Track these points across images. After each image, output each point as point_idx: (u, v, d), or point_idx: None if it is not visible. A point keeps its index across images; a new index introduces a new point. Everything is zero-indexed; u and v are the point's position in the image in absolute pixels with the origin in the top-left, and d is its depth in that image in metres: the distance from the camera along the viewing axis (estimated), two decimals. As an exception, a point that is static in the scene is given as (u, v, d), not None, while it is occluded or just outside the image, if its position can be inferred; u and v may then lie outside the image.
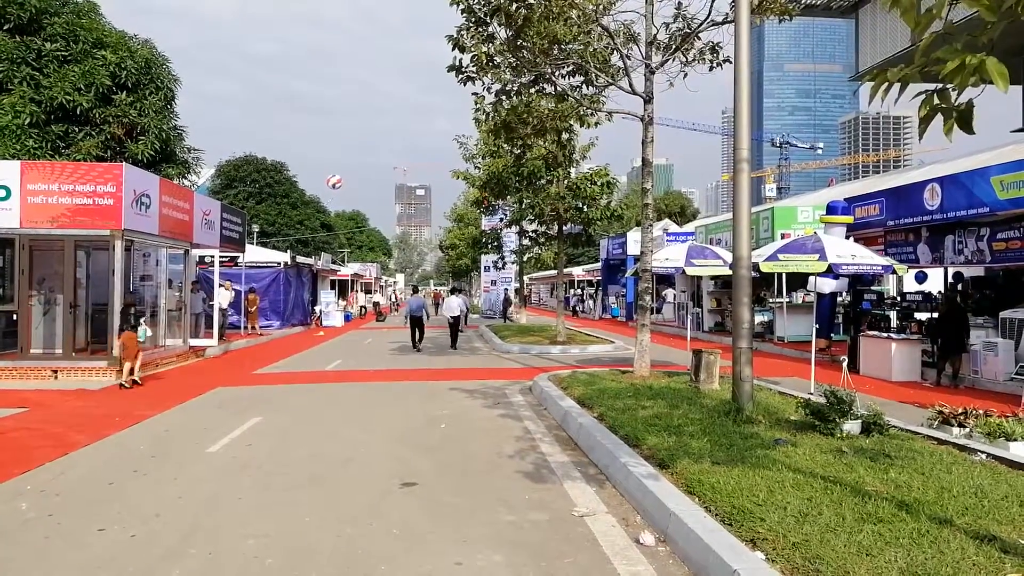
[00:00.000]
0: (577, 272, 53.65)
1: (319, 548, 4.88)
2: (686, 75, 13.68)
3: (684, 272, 17.35)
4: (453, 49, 12.82)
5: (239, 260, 25.57)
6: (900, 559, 3.93)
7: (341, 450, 7.86)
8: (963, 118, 3.67)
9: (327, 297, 34.22)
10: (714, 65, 13.38)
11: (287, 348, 21.31)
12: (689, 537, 4.59)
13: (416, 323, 21.10)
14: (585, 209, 22.15)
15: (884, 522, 4.52)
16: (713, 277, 24.11)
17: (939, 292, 15.71)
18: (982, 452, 6.57)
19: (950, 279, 15.48)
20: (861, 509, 4.78)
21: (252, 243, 40.61)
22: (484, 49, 13.05)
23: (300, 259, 31.98)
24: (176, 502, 5.95)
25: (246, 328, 25.20)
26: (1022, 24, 3.30)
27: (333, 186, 67.28)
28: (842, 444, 6.66)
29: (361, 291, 53.86)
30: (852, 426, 7.09)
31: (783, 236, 19.77)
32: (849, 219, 16.45)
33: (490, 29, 13.03)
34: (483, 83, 13.54)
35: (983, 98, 3.85)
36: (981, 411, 7.63)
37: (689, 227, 35.77)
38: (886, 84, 3.63)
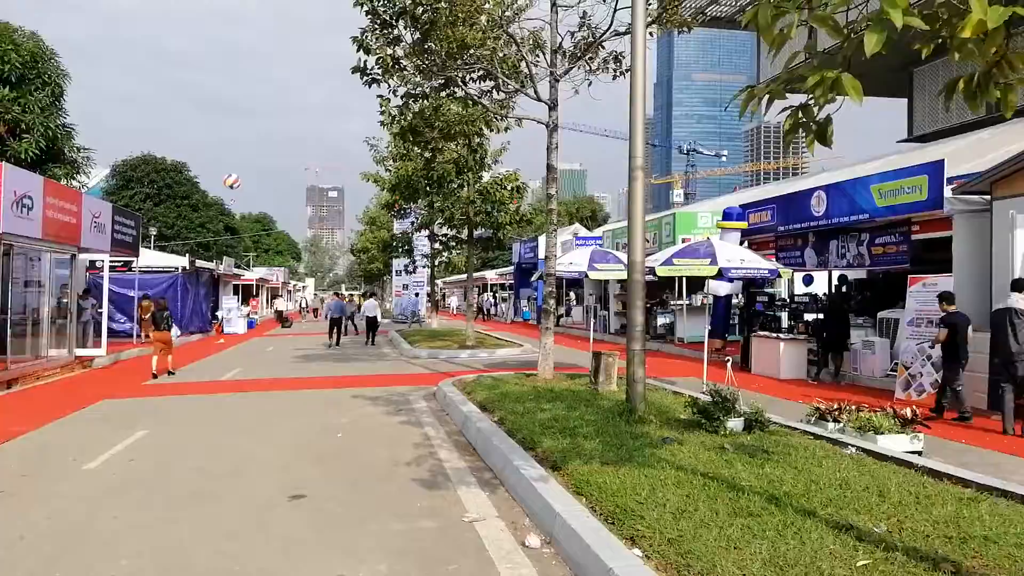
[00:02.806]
0: (490, 275, 53.89)
1: (196, 566, 4.70)
2: (591, 83, 13.98)
3: (588, 276, 17.74)
4: (358, 50, 12.66)
5: (133, 265, 24.36)
6: (764, 551, 4.13)
7: (229, 463, 7.60)
8: (822, 132, 3.90)
9: (229, 303, 33.05)
10: (617, 74, 13.70)
11: (183, 357, 20.45)
12: (572, 538, 4.68)
13: (335, 323, 23.99)
14: (495, 213, 22.29)
15: (754, 516, 4.75)
16: (620, 280, 24.71)
17: (824, 294, 16.62)
18: (853, 446, 6.99)
19: (834, 281, 16.41)
20: (735, 504, 5.00)
21: (149, 247, 38.80)
22: (389, 52, 12.95)
23: (200, 263, 30.78)
24: (44, 524, 5.61)
25: (140, 337, 24.03)
26: (904, 40, 3.53)
27: (231, 186, 64.96)
28: (725, 441, 6.95)
29: (271, 296, 52.36)
30: (735, 423, 7.40)
31: (684, 240, 20.48)
32: (743, 224, 17.18)
33: (396, 31, 12.93)
34: (389, 85, 13.44)
35: (879, 110, 4.11)
36: (854, 406, 8.11)
37: (598, 232, 36.52)
38: (755, 99, 3.82)
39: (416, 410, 10.82)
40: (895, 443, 7.23)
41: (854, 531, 4.49)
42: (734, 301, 18.28)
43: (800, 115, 3.81)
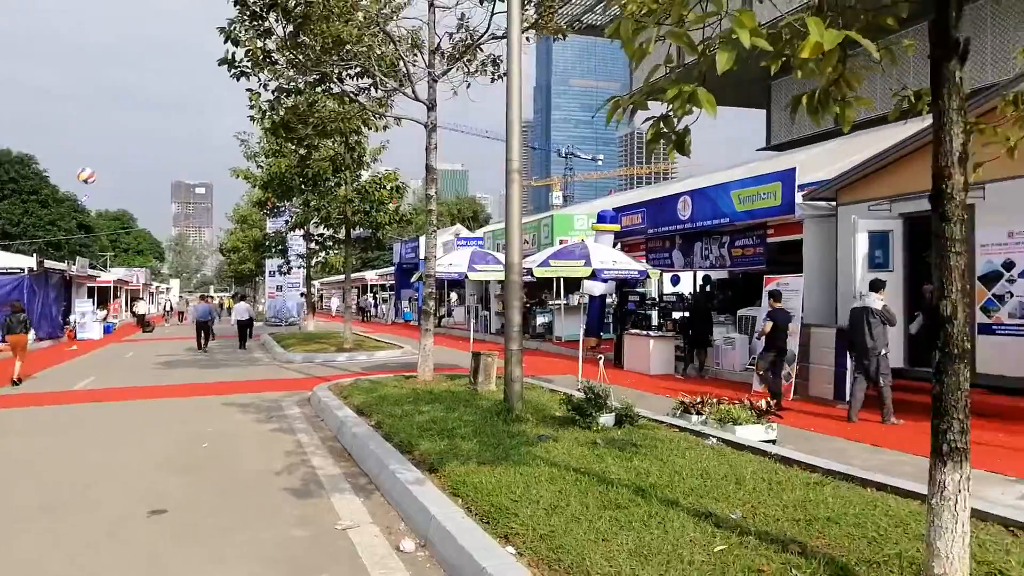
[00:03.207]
0: (371, 276, 52.98)
1: (39, 592, 4.35)
2: (469, 85, 14.03)
3: (468, 277, 17.82)
4: (225, 42, 12.10)
5: (-31, 265, 22.12)
6: (630, 541, 4.31)
7: (82, 476, 7.07)
8: (680, 141, 4.09)
9: (84, 307, 30.68)
10: (496, 77, 13.81)
11: (29, 366, 18.79)
12: (446, 540, 4.68)
13: (203, 327, 23.06)
14: (374, 213, 21.93)
15: (622, 508, 4.93)
16: (500, 281, 24.98)
17: (690, 293, 17.54)
18: (714, 436, 7.41)
19: (699, 281, 17.33)
20: (604, 497, 5.17)
21: (-11, 245, 35.37)
22: (260, 44, 12.46)
23: (50, 264, 28.38)
24: None
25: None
26: (753, 58, 3.76)
27: (85, 180, 60.39)
28: (597, 436, 7.18)
29: (130, 299, 49.02)
30: (607, 419, 7.67)
31: (562, 242, 20.97)
32: (617, 227, 17.82)
33: (267, 24, 12.46)
34: (259, 79, 12.94)
35: (743, 119, 4.33)
36: (715, 400, 8.59)
37: (480, 232, 36.75)
38: (620, 109, 3.96)
39: (289, 417, 10.47)
40: (751, 433, 7.72)
41: (713, 518, 4.76)
42: (608, 300, 18.93)
43: (661, 125, 3.99)
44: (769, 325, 10.83)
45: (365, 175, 22.52)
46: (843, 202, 12.04)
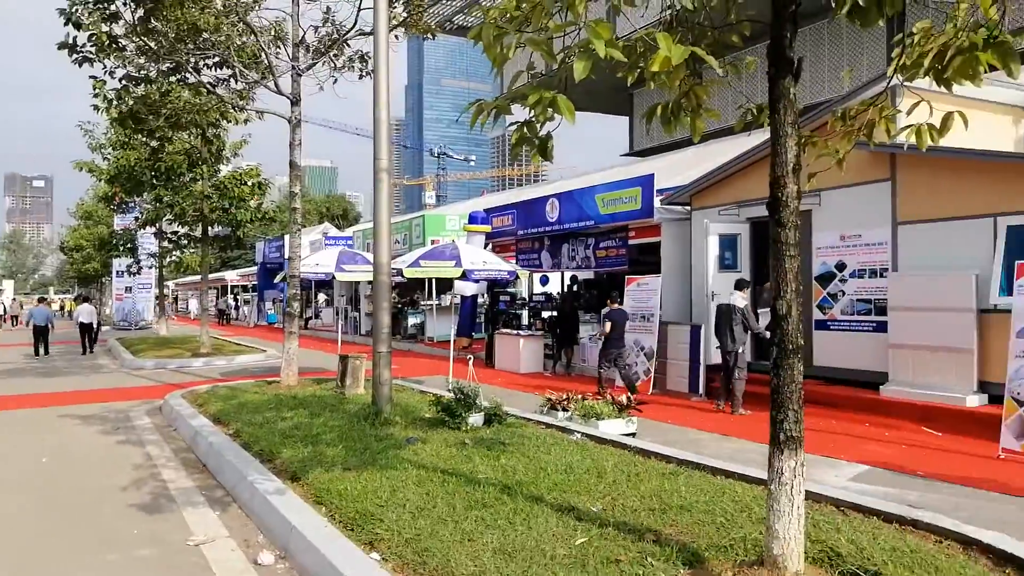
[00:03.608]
0: (231, 276, 50.46)
1: None
2: (336, 80, 13.69)
3: (336, 278, 17.40)
4: (66, 24, 11.14)
5: None
6: (496, 540, 4.36)
7: None
8: (543, 146, 4.17)
9: None
10: (364, 74, 13.55)
11: None
12: (308, 550, 4.54)
13: (41, 332, 21.96)
14: (234, 210, 20.93)
15: (488, 507, 4.98)
16: (370, 281, 24.55)
17: (558, 293, 18.01)
18: (578, 432, 7.64)
19: (567, 282, 17.81)
20: (471, 497, 5.20)
21: None
22: (105, 29, 11.57)
23: None
24: None
25: None
26: (608, 68, 3.88)
27: None
28: (466, 437, 7.21)
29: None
30: (476, 418, 7.72)
31: (433, 242, 20.89)
32: (487, 228, 17.98)
33: (113, 6, 11.57)
34: (105, 66, 12.01)
35: (610, 124, 4.44)
36: (581, 396, 8.87)
37: (349, 231, 35.93)
38: (483, 113, 3.98)
39: (138, 428, 9.78)
40: (613, 427, 8.03)
41: (575, 512, 4.90)
42: (480, 301, 19.07)
43: (525, 130, 4.06)
44: (608, 326, 11.36)
45: (224, 170, 21.45)
46: (697, 207, 12.76)
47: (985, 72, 3.78)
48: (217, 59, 12.98)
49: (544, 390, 10.58)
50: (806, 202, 10.55)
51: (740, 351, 10.23)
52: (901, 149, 9.03)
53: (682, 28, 4.53)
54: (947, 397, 8.86)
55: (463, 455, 6.48)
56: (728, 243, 11.89)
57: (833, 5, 3.92)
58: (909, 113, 4.35)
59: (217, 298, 46.52)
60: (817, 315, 10.84)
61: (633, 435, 8.10)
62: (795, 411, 3.85)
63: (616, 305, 11.71)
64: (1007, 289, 8.24)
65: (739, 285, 10.57)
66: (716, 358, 11.44)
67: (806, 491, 5.10)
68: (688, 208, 13.08)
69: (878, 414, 9.27)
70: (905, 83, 4.24)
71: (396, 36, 13.24)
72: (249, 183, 20.88)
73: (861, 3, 3.83)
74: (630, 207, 13.79)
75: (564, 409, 8.55)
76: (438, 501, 5.11)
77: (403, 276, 12.11)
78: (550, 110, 3.76)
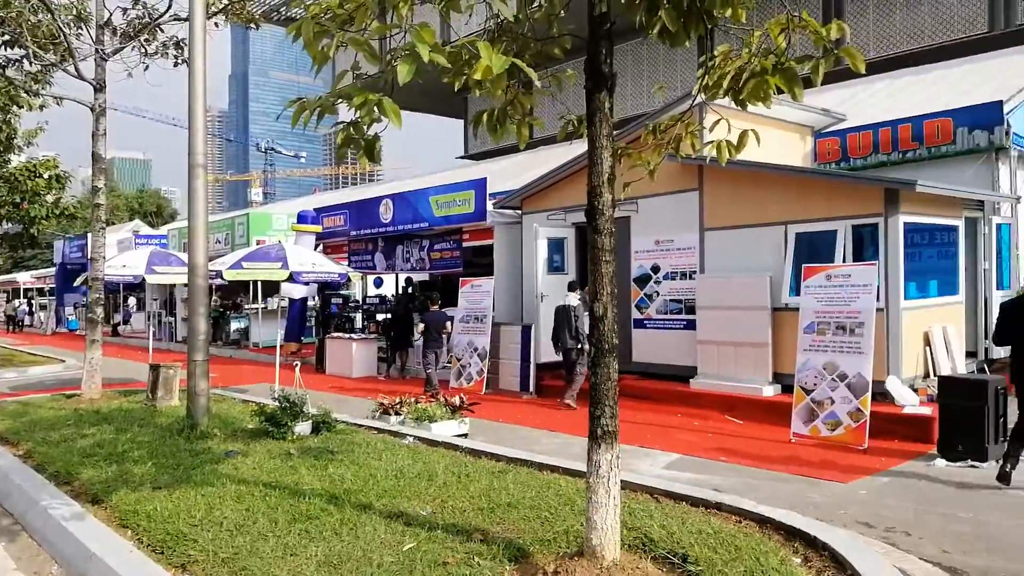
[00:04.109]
0: (24, 278, 45.13)
1: None
2: (147, 67, 12.67)
3: (147, 280, 16.10)
4: None
5: None
6: (320, 552, 4.23)
7: None
8: (370, 148, 4.11)
9: None
10: (179, 61, 12.64)
11: None
12: (110, 579, 4.17)
13: None
14: (27, 205, 18.75)
15: (313, 519, 4.82)
16: (186, 284, 22.94)
17: (392, 295, 17.82)
18: (411, 436, 7.60)
19: (402, 283, 17.69)
20: (295, 510, 5.01)
21: None
22: None
23: None
24: None
25: None
26: (434, 73, 3.85)
27: None
28: (292, 447, 6.93)
29: None
30: (303, 427, 7.45)
31: (259, 242, 19.91)
32: (318, 228, 17.42)
33: None
34: None
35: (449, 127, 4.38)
36: (414, 399, 8.82)
37: (163, 230, 33.38)
38: (306, 111, 3.84)
39: (-97, 453, 8.48)
40: (446, 429, 8.07)
41: (404, 517, 4.87)
42: (310, 304, 18.44)
43: (351, 131, 3.98)
44: (421, 327, 11.69)
45: (16, 160, 19.15)
46: (527, 211, 13.14)
47: (776, 94, 4.20)
48: (7, 37, 11.60)
49: (377, 394, 10.42)
50: (625, 209, 11.21)
51: (580, 347, 10.61)
52: (705, 162, 9.84)
53: (507, 38, 4.65)
54: (747, 388, 9.74)
55: (288, 466, 6.23)
56: (556, 246, 12.35)
57: (645, 26, 4.20)
58: (711, 130, 4.75)
59: (6, 302, 41.49)
60: (635, 314, 11.53)
61: (466, 436, 8.18)
62: (611, 407, 4.07)
63: (435, 307, 11.97)
64: (796, 289, 9.22)
65: (572, 287, 11.02)
66: (546, 357, 11.86)
67: (624, 481, 5.40)
68: (519, 212, 13.43)
69: (688, 405, 10.01)
70: (708, 102, 4.60)
71: (216, 24, 12.51)
72: (45, 176, 18.80)
73: (670, 27, 4.12)
74: (464, 210, 13.93)
75: (396, 413, 8.47)
76: (259, 516, 4.88)
77: (223, 279, 11.44)
78: (376, 112, 3.71)
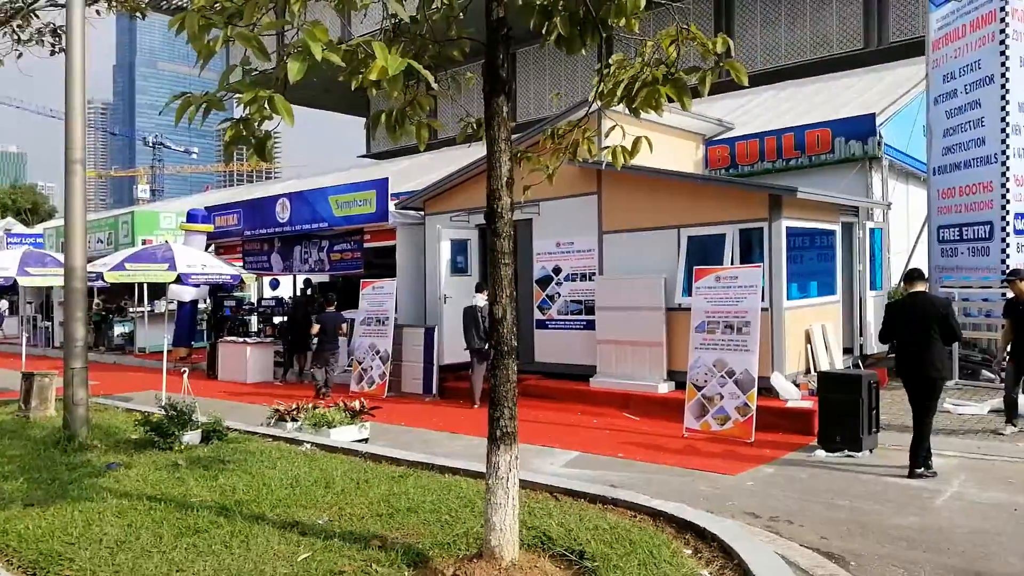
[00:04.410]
0: None
1: None
2: (20, 55, 11.79)
3: (19, 282, 14.95)
4: None
5: None
6: (209, 567, 4.06)
7: None
8: (261, 146, 3.97)
9: None
10: (57, 50, 11.82)
11: None
12: (-29, 607, 3.85)
13: None
14: None
15: (201, 532, 4.62)
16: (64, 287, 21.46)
17: (290, 297, 17.29)
18: (308, 442, 7.40)
19: (299, 285, 17.21)
20: (182, 523, 4.79)
21: None
22: None
23: None
24: None
25: None
26: (330, 72, 3.75)
27: None
28: (179, 457, 6.61)
29: None
30: (192, 436, 7.13)
31: (145, 242, 18.90)
32: (209, 227, 16.72)
33: None
34: None
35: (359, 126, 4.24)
36: (311, 404, 8.60)
37: (39, 228, 31.14)
38: (192, 107, 3.67)
39: None
40: (345, 434, 7.90)
41: (300, 527, 4.74)
42: (201, 307, 17.64)
43: (241, 128, 3.84)
44: (316, 328, 11.68)
45: None
46: (430, 212, 13.08)
47: (667, 102, 4.35)
48: None
49: (273, 400, 10.09)
50: (527, 211, 11.34)
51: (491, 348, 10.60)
52: (601, 166, 10.08)
53: (405, 39, 4.61)
54: (643, 385, 10.05)
55: (175, 478, 5.94)
56: (459, 248, 12.34)
57: (541, 32, 4.26)
58: (606, 136, 4.87)
59: None
60: (538, 315, 11.68)
61: (366, 440, 8.05)
62: (510, 408, 4.10)
63: (331, 308, 11.92)
64: (688, 290, 9.59)
65: (479, 287, 11.05)
66: (450, 359, 11.83)
67: (524, 481, 5.47)
68: (422, 213, 13.35)
69: (588, 404, 10.23)
70: (604, 109, 4.71)
71: (98, 12, 11.79)
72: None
73: (565, 34, 4.20)
74: (365, 210, 13.70)
75: (293, 419, 8.23)
76: (143, 532, 4.63)
77: (105, 281, 10.78)
78: (268, 109, 3.60)
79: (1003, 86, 10.08)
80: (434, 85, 3.83)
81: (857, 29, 24.15)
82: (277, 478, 5.89)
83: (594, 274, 10.99)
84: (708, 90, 4.13)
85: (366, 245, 14.40)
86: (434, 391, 11.74)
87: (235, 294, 16.97)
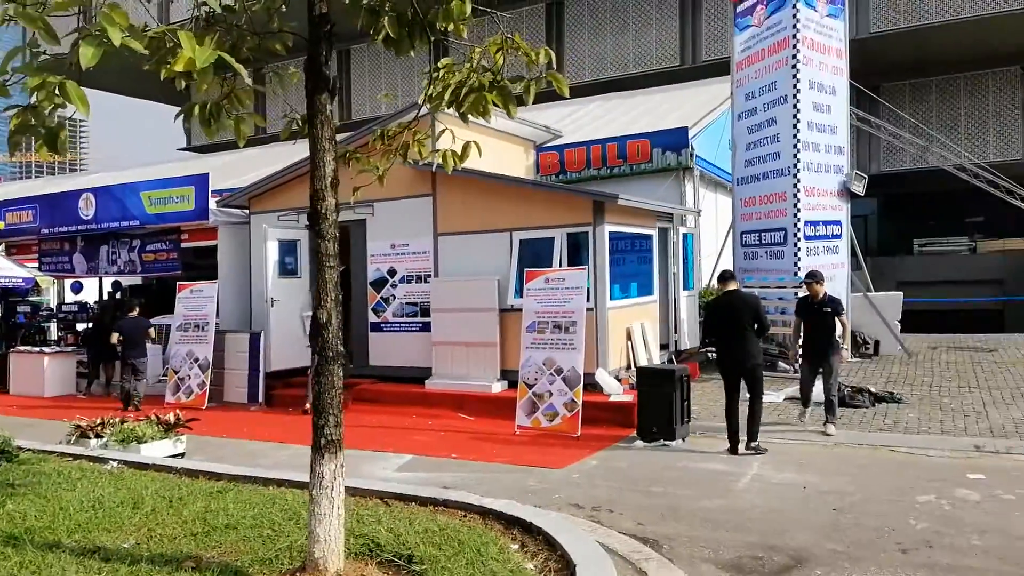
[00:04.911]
0: None
1: None
2: None
3: None
4: None
5: None
6: (-11, 607, 3.61)
7: None
8: (52, 137, 3.61)
9: None
10: None
11: None
12: None
13: None
14: None
15: (-19, 568, 4.11)
16: None
17: (96, 302, 15.79)
18: (115, 460, 6.79)
19: (107, 289, 15.79)
20: (-43, 560, 4.23)
21: None
22: None
23: None
24: None
25: None
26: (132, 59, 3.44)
27: None
28: (-43, 485, 5.84)
29: None
30: (-27, 461, 6.31)
31: (-85, 240, 16.48)
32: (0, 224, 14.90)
33: None
34: None
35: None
36: (119, 419, 7.91)
37: None
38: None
39: None
40: (159, 449, 7.33)
41: (102, 552, 4.34)
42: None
43: (29, 117, 3.48)
44: (115, 336, 11.20)
45: None
46: (256, 211, 12.47)
47: (496, 108, 4.43)
48: None
49: (75, 415, 9.17)
50: (361, 212, 11.13)
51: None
52: (431, 168, 10.11)
53: (220, 28, 4.36)
54: (478, 386, 10.18)
55: (-49, 507, 5.23)
56: (288, 248, 11.85)
57: (372, 32, 4.19)
58: (437, 139, 4.88)
59: None
60: (372, 318, 11.49)
61: (182, 455, 7.53)
62: (335, 415, 4.00)
63: (133, 313, 11.39)
64: (520, 292, 9.84)
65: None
66: (278, 365, 11.34)
67: (355, 488, 5.37)
68: (247, 212, 12.69)
69: (424, 406, 10.20)
70: (434, 112, 4.71)
71: None
72: None
73: (392, 35, 4.16)
74: (182, 207, 12.79)
75: (98, 435, 7.52)
76: (-95, 573, 4.03)
77: None
78: (59, 98, 3.28)
79: (795, 106, 11.27)
80: (247, 80, 3.66)
81: (675, 47, 26.00)
82: (76, 500, 5.35)
83: (430, 276, 10.99)
84: (533, 99, 4.26)
85: (184, 245, 13.47)
86: (260, 399, 11.21)
87: (30, 299, 15.25)
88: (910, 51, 23.65)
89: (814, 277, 8.34)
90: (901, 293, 13.77)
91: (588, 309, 9.18)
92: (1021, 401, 8.94)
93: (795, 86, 11.26)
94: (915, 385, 10.17)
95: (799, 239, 11.30)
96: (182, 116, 4.45)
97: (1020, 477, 6.27)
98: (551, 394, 8.69)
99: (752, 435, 7.41)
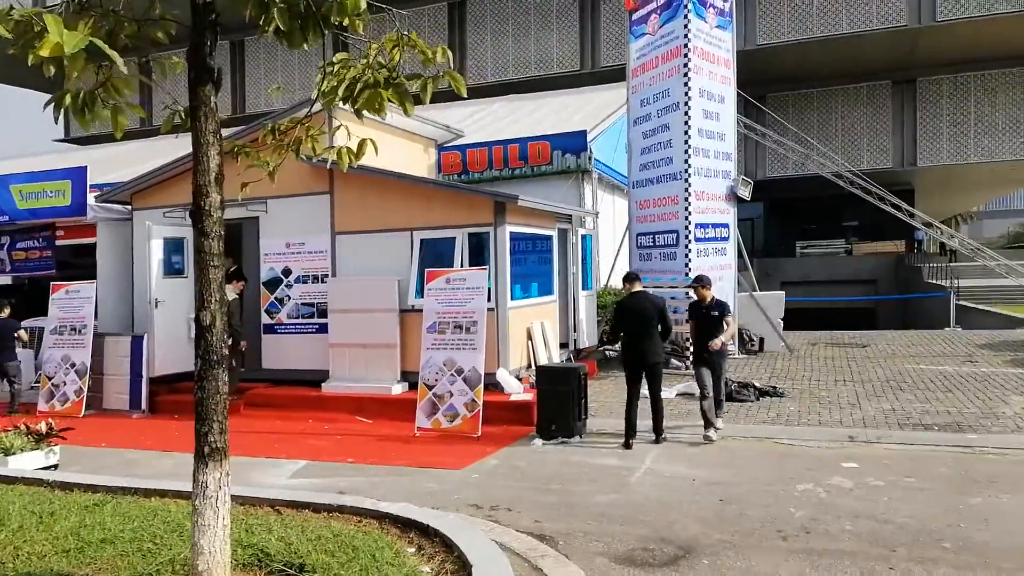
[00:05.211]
0: None
1: None
2: None
3: None
4: None
5: None
6: None
7: None
8: None
9: None
10: None
11: None
12: None
13: None
14: None
15: None
16: None
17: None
18: (-24, 475, 6.26)
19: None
20: None
21: None
22: None
23: None
24: None
25: None
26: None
27: None
28: None
29: None
30: None
31: None
32: None
33: None
34: None
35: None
36: (-19, 430, 7.30)
37: None
38: None
39: None
40: (28, 461, 6.82)
41: (-43, 578, 3.99)
42: None
43: None
44: None
45: None
46: (139, 207, 11.81)
47: (391, 105, 4.35)
48: None
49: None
50: (254, 208, 10.73)
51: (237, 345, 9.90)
52: (325, 165, 9.88)
53: (96, 13, 4.09)
54: (377, 388, 10.01)
55: None
56: (175, 247, 11.27)
57: (261, 23, 4.03)
58: (332, 135, 4.76)
59: None
60: (265, 319, 11.10)
61: (55, 467, 7.04)
62: (220, 422, 3.83)
63: (3, 314, 10.78)
64: (421, 292, 9.75)
65: (228, 278, 10.22)
66: (163, 370, 10.77)
67: (244, 497, 5.17)
68: (130, 208, 11.99)
69: (320, 410, 9.94)
70: (328, 107, 4.59)
71: None
72: None
73: (283, 27, 4.02)
74: (57, 202, 11.94)
75: (-44, 448, 6.91)
76: None
77: None
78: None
79: (686, 112, 11.70)
80: (122, 68, 3.45)
81: (575, 52, 26.51)
82: (-74, 522, 4.90)
83: (327, 276, 10.72)
84: (430, 98, 4.21)
85: (59, 242, 12.59)
86: (143, 406, 10.61)
87: None
88: (793, 63, 25.09)
89: (700, 282, 8.61)
90: (784, 292, 14.58)
91: (489, 309, 9.21)
92: (891, 393, 9.61)
93: (687, 94, 11.69)
94: (796, 379, 10.77)
95: (690, 241, 11.75)
96: (52, 104, 4.15)
97: (890, 465, 6.74)
98: (452, 395, 8.66)
99: (659, 431, 7.79)
